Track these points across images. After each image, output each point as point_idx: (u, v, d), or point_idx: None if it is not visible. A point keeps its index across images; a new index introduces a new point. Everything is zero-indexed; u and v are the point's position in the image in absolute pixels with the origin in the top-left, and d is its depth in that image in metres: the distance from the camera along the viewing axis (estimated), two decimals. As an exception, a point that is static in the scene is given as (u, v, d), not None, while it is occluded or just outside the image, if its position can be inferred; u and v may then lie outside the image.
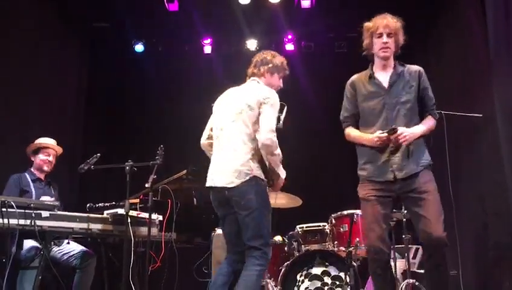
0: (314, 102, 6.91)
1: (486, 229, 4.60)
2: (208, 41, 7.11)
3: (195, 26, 6.70)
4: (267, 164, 3.28)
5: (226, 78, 6.99)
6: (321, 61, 7.11)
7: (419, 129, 3.12)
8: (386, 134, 3.04)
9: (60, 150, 4.53)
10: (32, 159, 4.45)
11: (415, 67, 3.23)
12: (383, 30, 3.12)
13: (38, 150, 4.43)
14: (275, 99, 3.29)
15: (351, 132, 3.29)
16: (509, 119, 4.14)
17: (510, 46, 4.18)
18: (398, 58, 3.26)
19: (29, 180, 4.33)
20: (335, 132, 6.93)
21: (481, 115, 4.14)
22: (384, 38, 3.13)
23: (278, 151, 3.23)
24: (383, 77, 3.20)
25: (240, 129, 3.25)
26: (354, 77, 3.32)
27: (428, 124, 3.19)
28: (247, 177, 3.16)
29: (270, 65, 3.47)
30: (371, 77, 3.23)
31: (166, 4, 6.19)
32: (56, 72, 6.09)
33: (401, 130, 3.03)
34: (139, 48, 7.11)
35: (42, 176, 4.44)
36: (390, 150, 3.09)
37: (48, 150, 4.44)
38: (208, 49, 7.15)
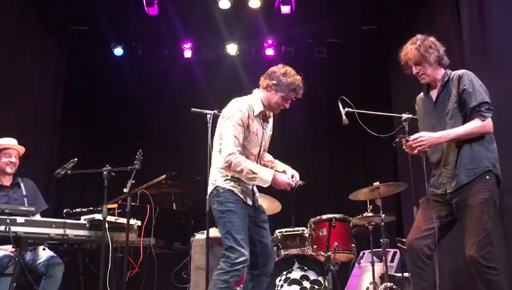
0: (294, 107, 6.93)
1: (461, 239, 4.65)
2: (188, 45, 7.10)
3: (175, 30, 6.68)
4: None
5: (205, 83, 7.00)
6: (301, 66, 7.13)
7: (451, 132, 2.93)
8: (397, 144, 3.01)
9: (22, 149, 4.22)
10: None
11: (458, 72, 3.07)
12: (409, 64, 3.09)
13: None
14: (236, 117, 3.12)
15: None
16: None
17: (485, 54, 4.28)
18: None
19: None
20: (314, 137, 7.06)
21: None
22: (414, 70, 3.09)
23: (241, 168, 3.06)
24: (434, 92, 3.15)
25: (216, 138, 3.27)
26: (420, 94, 3.28)
27: (468, 125, 2.92)
28: (212, 188, 3.20)
29: (275, 82, 3.32)
30: (425, 93, 3.20)
31: (146, 8, 6.16)
32: (33, 74, 5.99)
33: (415, 135, 2.96)
34: (119, 51, 7.05)
35: (7, 181, 4.13)
36: (443, 162, 3.01)
37: (8, 150, 4.11)
38: (187, 53, 7.13)
